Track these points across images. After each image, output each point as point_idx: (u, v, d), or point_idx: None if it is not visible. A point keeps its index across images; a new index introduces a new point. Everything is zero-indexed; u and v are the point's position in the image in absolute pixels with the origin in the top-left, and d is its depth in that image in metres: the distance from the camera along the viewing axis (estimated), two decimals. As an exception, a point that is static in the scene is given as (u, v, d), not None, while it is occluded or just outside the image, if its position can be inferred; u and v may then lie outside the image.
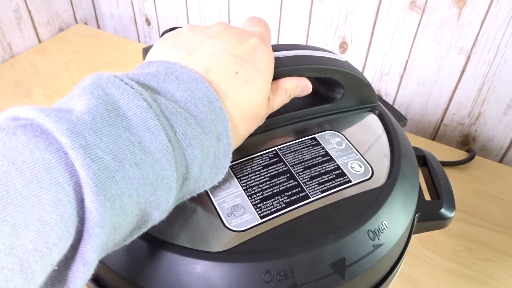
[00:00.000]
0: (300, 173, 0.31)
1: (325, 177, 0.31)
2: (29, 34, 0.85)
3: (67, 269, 0.19)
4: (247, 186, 0.29)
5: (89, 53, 0.85)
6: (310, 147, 0.33)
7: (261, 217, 0.28)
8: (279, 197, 0.29)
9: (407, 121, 0.47)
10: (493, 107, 0.66)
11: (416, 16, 0.65)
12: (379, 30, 0.69)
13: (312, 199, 0.29)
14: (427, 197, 0.35)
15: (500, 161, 0.71)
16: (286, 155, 0.32)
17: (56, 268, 0.18)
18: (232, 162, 0.27)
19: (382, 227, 0.28)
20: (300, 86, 0.32)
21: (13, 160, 0.17)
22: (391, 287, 0.31)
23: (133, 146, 0.20)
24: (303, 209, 0.28)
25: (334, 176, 0.31)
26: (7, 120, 0.19)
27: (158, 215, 0.22)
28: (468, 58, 0.64)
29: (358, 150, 0.33)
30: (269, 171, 0.31)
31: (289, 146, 0.33)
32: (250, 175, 0.30)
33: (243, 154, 0.32)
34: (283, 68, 0.31)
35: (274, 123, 0.34)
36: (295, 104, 0.34)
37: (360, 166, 0.32)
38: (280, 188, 0.30)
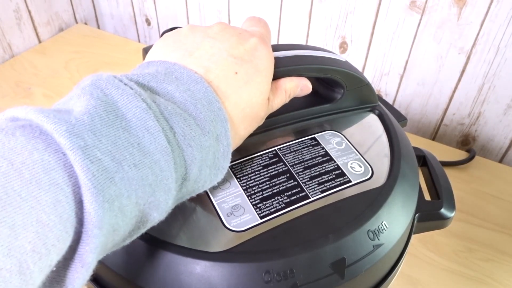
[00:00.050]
0: (300, 173, 0.31)
1: (325, 177, 0.31)
2: (29, 34, 0.85)
3: (66, 270, 0.19)
4: (247, 186, 0.29)
5: (89, 53, 0.85)
6: (310, 147, 0.33)
7: (261, 217, 0.27)
8: (279, 197, 0.29)
9: (407, 121, 0.47)
10: (493, 107, 0.66)
11: (416, 16, 0.65)
12: (379, 30, 0.69)
13: (312, 199, 0.29)
14: (427, 197, 0.35)
15: (500, 161, 0.71)
16: (286, 155, 0.32)
17: (54, 269, 0.18)
18: (232, 162, 0.27)
19: (382, 227, 0.28)
20: (300, 86, 0.32)
21: (12, 161, 0.17)
22: (391, 287, 0.31)
23: (132, 147, 0.20)
24: (303, 209, 0.28)
25: (334, 176, 0.31)
26: (6, 121, 0.19)
27: (157, 216, 0.22)
28: (468, 58, 0.64)
29: (358, 150, 0.33)
30: (269, 171, 0.31)
31: (289, 146, 0.33)
32: (250, 175, 0.30)
33: (243, 154, 0.32)
34: (283, 68, 0.31)
35: (274, 123, 0.34)
36: (295, 104, 0.34)
37: (360, 166, 0.32)
38: (280, 188, 0.29)
